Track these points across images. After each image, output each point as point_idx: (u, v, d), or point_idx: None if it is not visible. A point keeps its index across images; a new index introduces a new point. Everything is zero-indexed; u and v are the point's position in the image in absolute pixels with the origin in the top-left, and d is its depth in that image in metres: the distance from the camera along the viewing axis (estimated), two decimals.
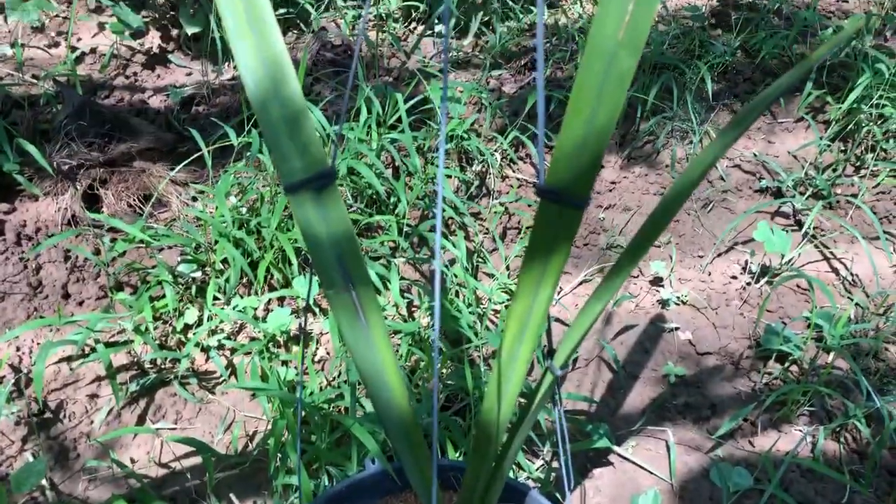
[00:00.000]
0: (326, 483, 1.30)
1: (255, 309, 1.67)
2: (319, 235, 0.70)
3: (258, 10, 0.61)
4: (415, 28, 2.66)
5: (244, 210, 1.79)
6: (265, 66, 0.63)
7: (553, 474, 1.44)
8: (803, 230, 1.99)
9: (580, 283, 1.90)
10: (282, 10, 2.45)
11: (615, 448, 1.53)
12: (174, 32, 2.53)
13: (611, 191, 2.10)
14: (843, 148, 2.21)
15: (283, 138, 0.66)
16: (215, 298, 1.67)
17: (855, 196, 2.08)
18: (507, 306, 1.80)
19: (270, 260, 1.66)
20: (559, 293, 1.89)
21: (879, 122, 2.18)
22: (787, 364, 1.68)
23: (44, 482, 1.41)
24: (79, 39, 2.47)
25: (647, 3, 0.54)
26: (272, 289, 1.73)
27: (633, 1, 0.54)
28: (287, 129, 0.65)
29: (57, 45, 2.45)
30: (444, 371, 1.58)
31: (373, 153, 1.82)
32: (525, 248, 0.65)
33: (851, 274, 1.94)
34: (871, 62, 2.19)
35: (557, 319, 1.82)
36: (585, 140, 0.62)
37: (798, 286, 1.90)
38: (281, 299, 1.73)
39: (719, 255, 1.99)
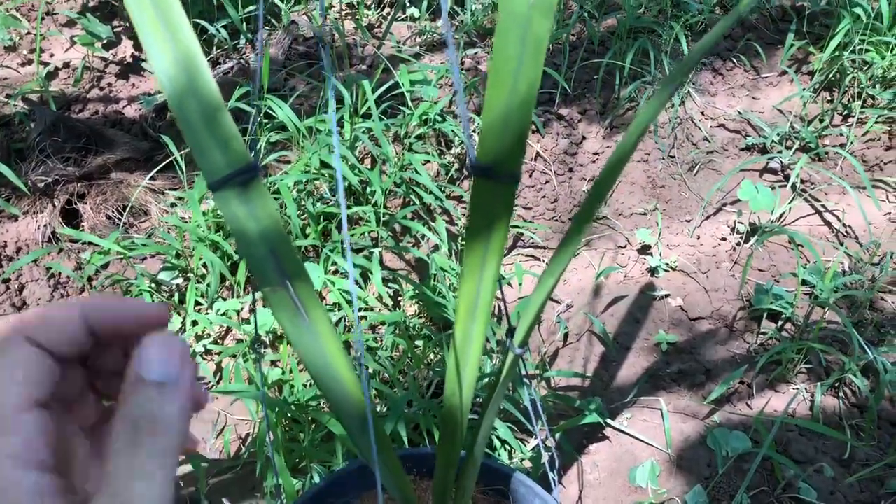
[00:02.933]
0: (316, 481, 1.29)
1: (238, 311, 1.65)
2: (249, 232, 0.68)
3: (166, 6, 0.59)
4: (389, 13, 2.62)
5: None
6: (178, 62, 0.61)
7: (547, 454, 1.42)
8: (790, 184, 1.96)
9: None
10: (251, 7, 2.42)
11: (610, 422, 1.51)
12: None
13: (594, 162, 2.07)
14: (829, 98, 2.16)
15: (203, 134, 0.63)
16: (198, 304, 1.65)
17: (843, 146, 2.04)
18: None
19: None
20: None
21: (864, 68, 2.13)
22: (780, 322, 1.66)
23: None
24: (52, 55, 2.45)
25: None
26: (255, 289, 1.72)
27: None
28: (205, 125, 0.63)
29: (31, 62, 2.43)
30: (431, 357, 1.57)
31: (346, 144, 1.80)
32: (466, 228, 0.64)
33: (844, 225, 1.91)
34: (849, 7, 2.14)
35: (551, 299, 1.80)
36: (510, 112, 0.60)
37: (791, 242, 1.86)
38: (264, 299, 1.71)
39: (707, 217, 1.96)
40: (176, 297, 1.70)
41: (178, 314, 1.66)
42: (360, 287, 1.67)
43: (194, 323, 1.63)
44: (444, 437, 0.85)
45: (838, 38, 2.09)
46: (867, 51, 2.11)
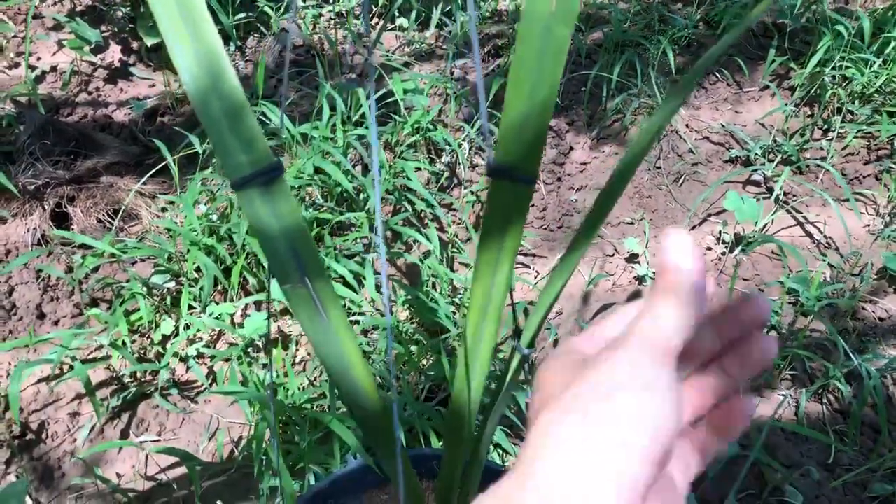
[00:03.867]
0: (313, 482, 1.30)
1: (232, 315, 1.66)
2: (271, 230, 0.69)
3: (191, 6, 0.60)
4: (377, 23, 2.65)
5: (215, 217, 1.77)
6: (201, 61, 0.62)
7: None
8: (773, 196, 2.01)
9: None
10: (241, 15, 2.44)
11: None
12: (135, 45, 2.51)
13: (582, 171, 2.10)
14: (809, 113, 2.22)
15: (227, 133, 0.65)
16: (191, 307, 1.65)
17: (824, 160, 2.09)
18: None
19: (243, 265, 1.65)
20: (536, 276, 1.89)
21: (844, 84, 2.19)
22: (765, 330, 1.69)
23: (29, 503, 1.40)
24: (38, 59, 2.44)
25: None
26: (248, 294, 1.72)
27: None
28: (229, 124, 0.64)
29: (19, 66, 2.42)
30: (424, 363, 1.58)
31: (339, 151, 1.81)
32: (481, 228, 0.65)
33: (825, 237, 1.95)
34: (830, 25, 2.20)
35: (532, 302, 1.82)
36: (529, 115, 0.61)
37: (773, 252, 1.91)
38: (258, 304, 1.72)
39: (693, 227, 2.00)
40: (168, 301, 1.70)
41: (171, 317, 1.66)
42: (354, 291, 1.68)
43: (187, 326, 1.63)
44: (450, 435, 0.87)
45: (819, 54, 2.15)
46: (847, 67, 2.16)
